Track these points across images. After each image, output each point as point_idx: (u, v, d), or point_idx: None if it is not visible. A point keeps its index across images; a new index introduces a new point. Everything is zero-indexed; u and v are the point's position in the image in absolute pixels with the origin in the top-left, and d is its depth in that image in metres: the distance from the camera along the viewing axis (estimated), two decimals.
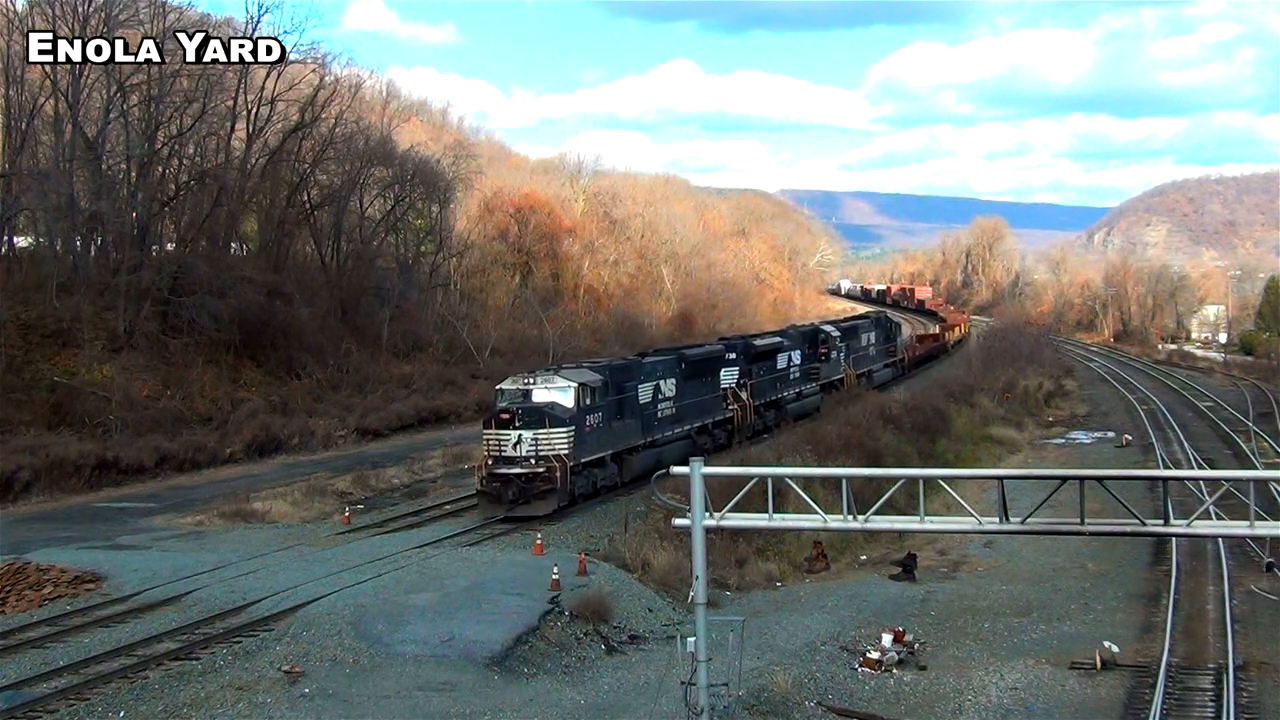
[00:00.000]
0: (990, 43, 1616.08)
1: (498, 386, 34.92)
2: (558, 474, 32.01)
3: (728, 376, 45.30)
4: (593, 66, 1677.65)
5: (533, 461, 32.01)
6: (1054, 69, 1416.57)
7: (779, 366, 51.39)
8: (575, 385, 33.33)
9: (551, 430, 32.21)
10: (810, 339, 57.60)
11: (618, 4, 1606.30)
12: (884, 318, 78.09)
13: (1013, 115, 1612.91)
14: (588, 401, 33.75)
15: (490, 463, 32.42)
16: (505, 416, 32.43)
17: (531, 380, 33.73)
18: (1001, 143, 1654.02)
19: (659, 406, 39.04)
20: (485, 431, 33.08)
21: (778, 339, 53.41)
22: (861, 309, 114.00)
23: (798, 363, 54.03)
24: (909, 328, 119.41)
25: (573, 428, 32.65)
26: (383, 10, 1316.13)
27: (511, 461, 32.14)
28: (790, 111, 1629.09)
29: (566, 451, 32.37)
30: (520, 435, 32.02)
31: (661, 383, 39.35)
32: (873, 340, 69.49)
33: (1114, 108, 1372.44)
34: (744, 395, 45.92)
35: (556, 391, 33.17)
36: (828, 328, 63.28)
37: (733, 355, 46.28)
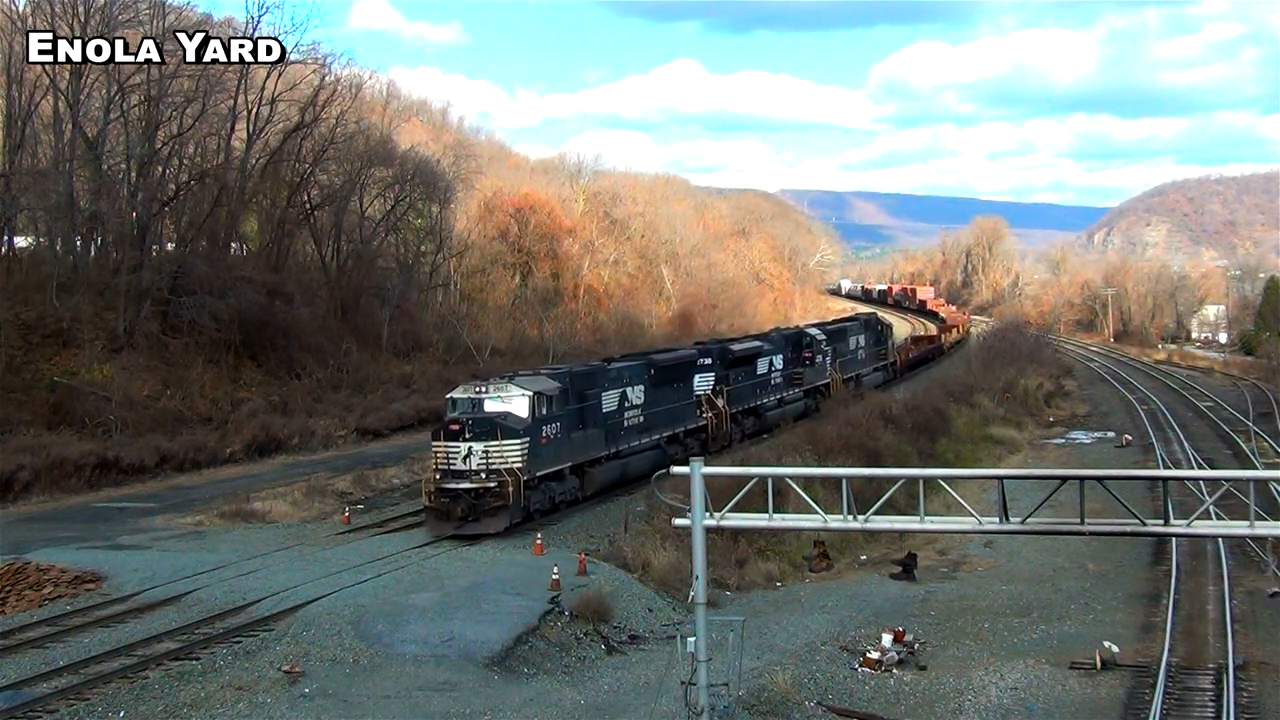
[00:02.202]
0: (993, 43, 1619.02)
1: (448, 395, 32.93)
2: (510, 489, 30.12)
3: (702, 383, 43.52)
4: (596, 66, 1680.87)
5: (483, 476, 30.12)
6: (1057, 69, 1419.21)
7: (759, 372, 49.62)
8: (530, 394, 31.42)
9: (503, 442, 30.29)
10: (794, 343, 55.64)
11: (622, 4, 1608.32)
12: (874, 319, 75.78)
13: (1015, 115, 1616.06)
14: (544, 411, 31.88)
15: (439, 477, 30.53)
16: (454, 428, 30.50)
17: (483, 389, 31.71)
18: (1004, 142, 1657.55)
19: (625, 415, 37.19)
20: (434, 443, 31.20)
21: (757, 343, 51.59)
22: (862, 309, 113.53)
23: (780, 368, 52.23)
24: (909, 327, 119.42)
25: (527, 439, 30.80)
26: (388, 10, 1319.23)
27: (461, 476, 30.21)
28: (793, 111, 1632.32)
29: (520, 465, 30.50)
30: (470, 448, 30.15)
31: (628, 390, 37.46)
32: (862, 343, 67.42)
33: (1117, 107, 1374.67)
34: (720, 402, 44.19)
35: (510, 401, 31.22)
36: (813, 330, 61.32)
37: (708, 360, 44.48)
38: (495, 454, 30.26)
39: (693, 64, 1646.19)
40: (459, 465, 30.35)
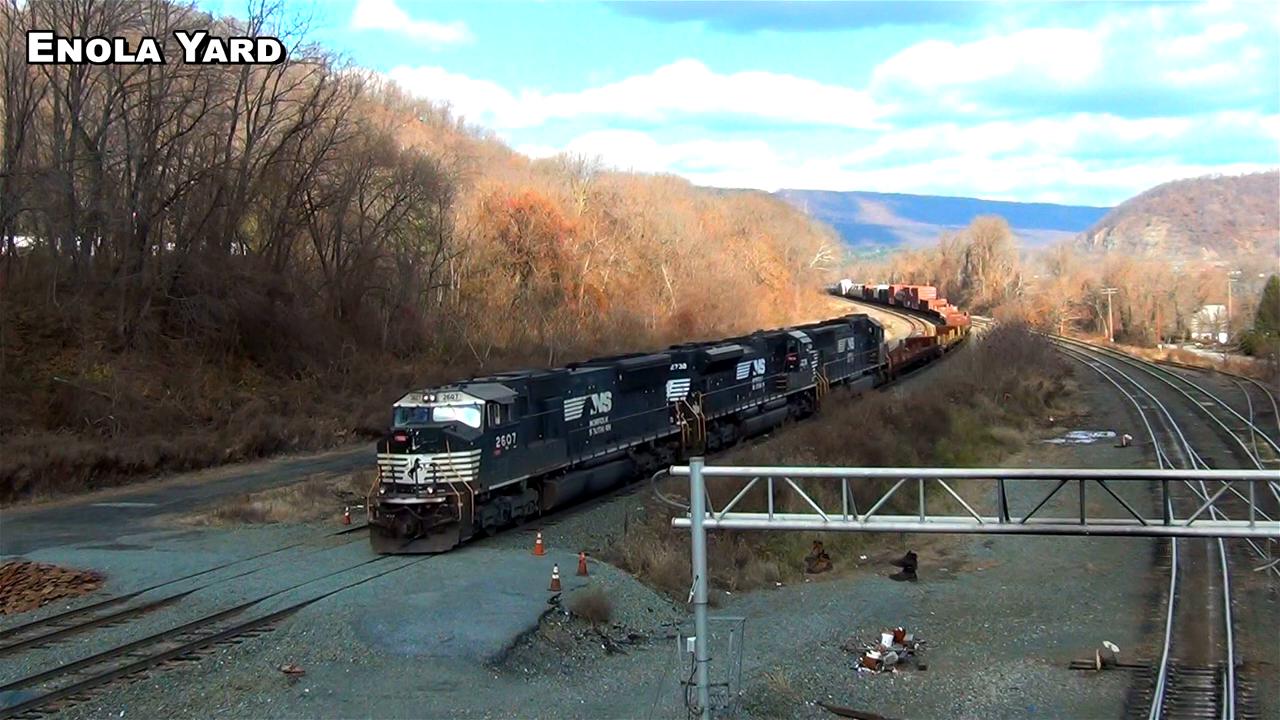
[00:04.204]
0: (997, 42, 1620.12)
1: (395, 404, 31.21)
2: (459, 504, 28.50)
3: (676, 389, 41.73)
4: (600, 66, 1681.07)
5: (431, 490, 28.47)
6: (1061, 68, 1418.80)
7: (739, 377, 47.43)
8: (482, 402, 29.73)
9: (453, 454, 28.58)
10: (777, 346, 53.14)
11: (626, 4, 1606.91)
12: (864, 320, 73.33)
13: (1018, 115, 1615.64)
14: (497, 420, 30.12)
15: (384, 491, 28.85)
16: (401, 439, 28.86)
17: (432, 397, 30.00)
18: (1006, 142, 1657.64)
19: (590, 424, 35.50)
20: (379, 455, 29.51)
21: (737, 347, 49.13)
22: (862, 310, 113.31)
23: (761, 372, 49.84)
24: (909, 327, 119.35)
25: (478, 451, 29.11)
26: (392, 9, 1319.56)
27: (408, 490, 28.55)
28: (796, 111, 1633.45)
29: (471, 478, 28.82)
30: (417, 460, 28.48)
31: (594, 397, 35.70)
32: (850, 346, 65.01)
33: (1120, 107, 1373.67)
34: (695, 409, 42.24)
35: (460, 410, 29.53)
36: (797, 334, 58.27)
37: (682, 366, 42.50)
38: (444, 467, 28.60)
39: (696, 64, 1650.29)
40: (405, 479, 28.69)
